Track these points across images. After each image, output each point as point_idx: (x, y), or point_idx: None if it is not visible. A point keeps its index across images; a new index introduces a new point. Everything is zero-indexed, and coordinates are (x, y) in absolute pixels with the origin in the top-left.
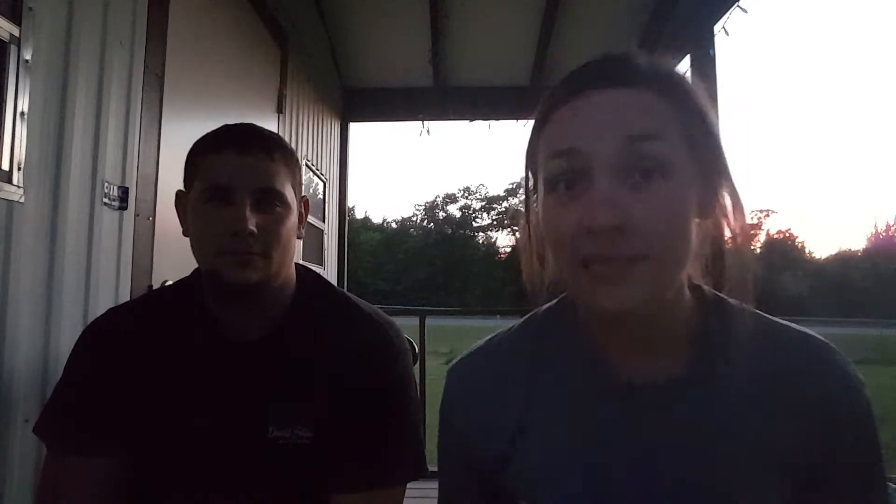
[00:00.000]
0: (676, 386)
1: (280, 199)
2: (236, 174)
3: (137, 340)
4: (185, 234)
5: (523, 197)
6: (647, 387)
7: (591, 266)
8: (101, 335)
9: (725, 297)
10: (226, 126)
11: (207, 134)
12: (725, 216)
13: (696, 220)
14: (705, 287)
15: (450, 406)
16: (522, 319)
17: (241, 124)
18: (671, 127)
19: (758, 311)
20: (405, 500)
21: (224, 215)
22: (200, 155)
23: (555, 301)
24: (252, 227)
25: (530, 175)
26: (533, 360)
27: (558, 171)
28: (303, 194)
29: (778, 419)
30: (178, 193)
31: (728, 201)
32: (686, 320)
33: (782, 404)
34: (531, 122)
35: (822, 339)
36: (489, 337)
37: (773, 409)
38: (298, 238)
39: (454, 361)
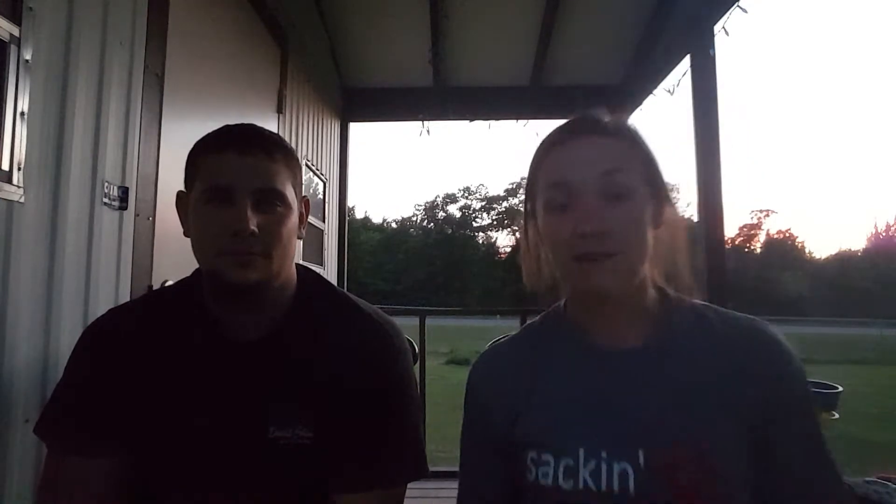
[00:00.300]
0: (637, 352)
1: (281, 199)
2: (237, 174)
3: (137, 341)
4: (185, 234)
5: (523, 218)
6: (616, 353)
7: (581, 261)
8: (102, 335)
9: (684, 296)
10: (226, 126)
11: (208, 134)
12: (673, 227)
13: (651, 228)
14: (669, 290)
15: (474, 388)
16: (527, 323)
17: (242, 124)
18: (631, 164)
19: (711, 304)
20: (405, 500)
21: (225, 215)
22: (201, 155)
23: (549, 309)
24: (253, 227)
25: (529, 200)
26: (534, 347)
27: (557, 196)
28: (303, 194)
29: (725, 378)
30: (179, 194)
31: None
32: (649, 307)
33: (730, 368)
34: (530, 121)
35: (763, 321)
36: (500, 337)
37: (721, 371)
38: (299, 238)
39: (477, 357)
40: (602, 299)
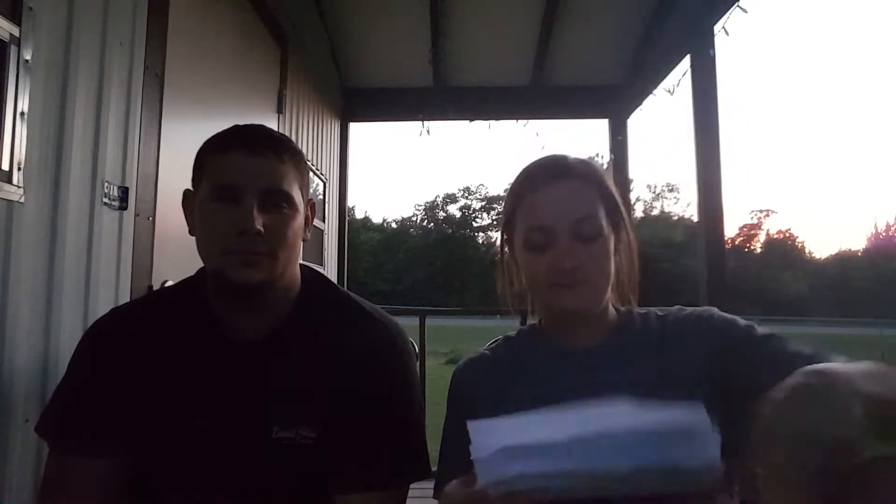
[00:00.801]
0: (596, 350)
1: (288, 200)
2: (245, 174)
3: (139, 341)
4: (191, 233)
5: (499, 242)
6: (578, 352)
7: (556, 287)
8: (103, 336)
9: (631, 306)
10: (235, 126)
11: (217, 134)
12: (627, 249)
13: (613, 257)
14: (618, 303)
15: (458, 383)
16: (505, 335)
17: (251, 125)
18: (597, 207)
19: (653, 308)
20: (407, 500)
21: (231, 214)
22: (209, 154)
23: (526, 326)
24: (259, 227)
25: (507, 230)
26: (511, 351)
27: (536, 238)
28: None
29: (670, 353)
30: (186, 193)
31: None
32: (611, 319)
33: (671, 341)
34: (530, 121)
35: (691, 307)
36: (486, 345)
37: (666, 348)
38: (304, 241)
39: (462, 360)
40: (572, 318)
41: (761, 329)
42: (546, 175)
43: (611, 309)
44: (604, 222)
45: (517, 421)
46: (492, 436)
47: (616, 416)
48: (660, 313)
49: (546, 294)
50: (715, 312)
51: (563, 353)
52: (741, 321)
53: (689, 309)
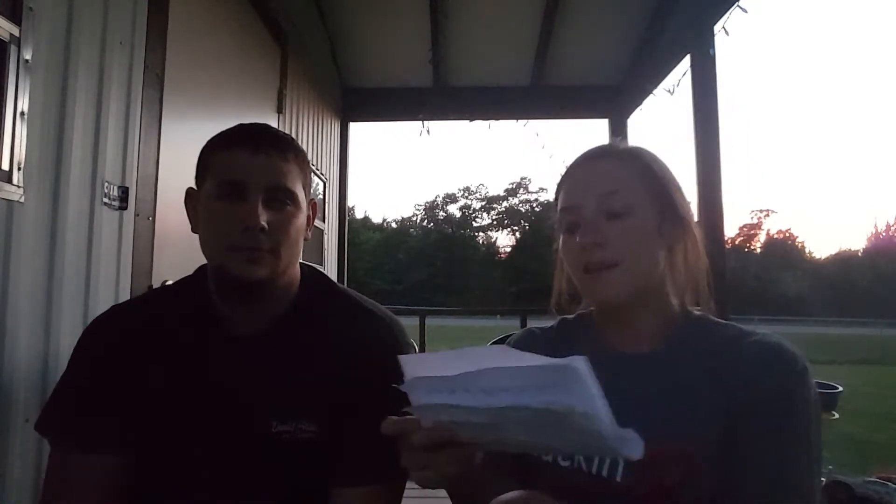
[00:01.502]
0: (646, 357)
1: (291, 197)
2: (249, 171)
3: (139, 336)
4: (194, 230)
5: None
6: (627, 357)
7: (589, 272)
8: (102, 332)
9: (699, 313)
10: (240, 125)
11: (221, 132)
12: (694, 244)
13: (666, 245)
14: (694, 309)
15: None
16: (562, 317)
17: (256, 124)
18: (631, 184)
19: (718, 318)
20: (405, 500)
21: (236, 211)
22: (214, 152)
23: (586, 310)
24: (263, 223)
25: (556, 220)
26: (563, 338)
27: (567, 218)
28: (311, 198)
29: (716, 378)
30: (189, 191)
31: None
32: (666, 318)
33: (719, 370)
34: (530, 121)
35: (784, 341)
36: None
37: (721, 378)
38: (305, 240)
39: (521, 331)
40: (612, 307)
41: (793, 446)
42: (584, 157)
43: (670, 306)
44: (639, 201)
45: (432, 357)
46: (410, 368)
47: (500, 354)
48: (717, 328)
49: (580, 282)
50: (802, 383)
51: (611, 355)
52: (805, 419)
53: (780, 350)
